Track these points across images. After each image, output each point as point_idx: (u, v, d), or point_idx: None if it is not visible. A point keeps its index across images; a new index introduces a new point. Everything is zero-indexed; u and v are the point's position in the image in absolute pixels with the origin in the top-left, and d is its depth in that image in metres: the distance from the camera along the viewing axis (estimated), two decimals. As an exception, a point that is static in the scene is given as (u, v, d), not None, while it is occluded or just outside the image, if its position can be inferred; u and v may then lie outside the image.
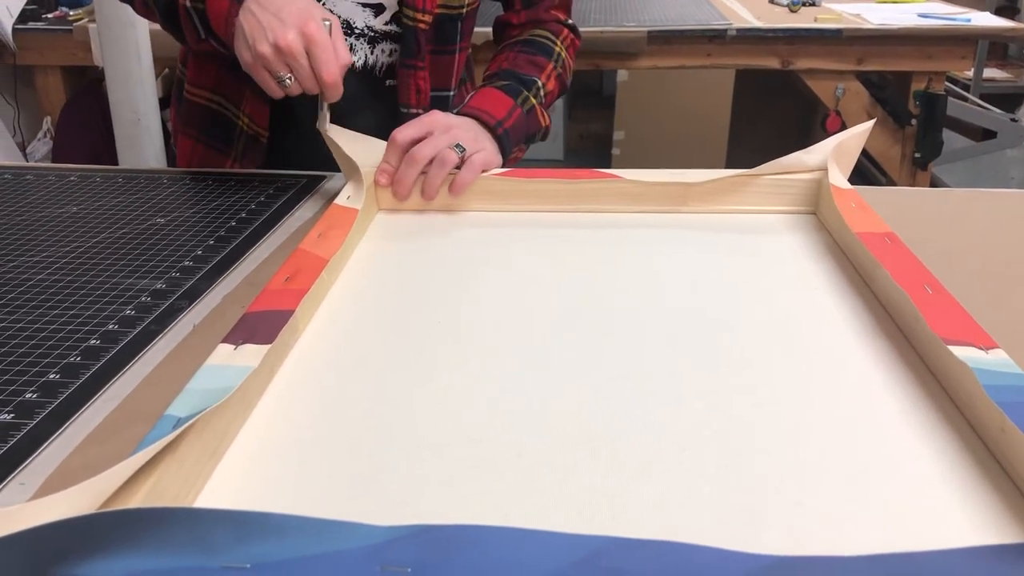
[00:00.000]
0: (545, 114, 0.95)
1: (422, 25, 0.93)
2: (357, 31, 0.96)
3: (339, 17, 0.89)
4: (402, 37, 0.94)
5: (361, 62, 0.97)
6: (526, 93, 0.92)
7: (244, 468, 0.45)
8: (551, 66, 0.98)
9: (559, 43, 1.00)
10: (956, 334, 0.51)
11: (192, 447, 0.42)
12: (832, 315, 0.60)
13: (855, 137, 0.81)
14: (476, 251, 0.72)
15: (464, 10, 0.97)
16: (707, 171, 0.79)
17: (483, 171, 0.81)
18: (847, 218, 0.69)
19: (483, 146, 0.83)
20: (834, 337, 0.57)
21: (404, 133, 0.80)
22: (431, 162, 0.80)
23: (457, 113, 0.87)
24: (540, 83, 0.95)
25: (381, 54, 0.97)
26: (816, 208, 0.79)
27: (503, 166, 0.87)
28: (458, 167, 0.80)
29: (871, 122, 0.84)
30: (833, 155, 0.78)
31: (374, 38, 0.96)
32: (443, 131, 0.81)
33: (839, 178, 0.76)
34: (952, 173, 2.96)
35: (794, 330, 0.58)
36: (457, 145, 0.80)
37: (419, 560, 0.34)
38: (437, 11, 0.94)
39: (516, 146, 0.91)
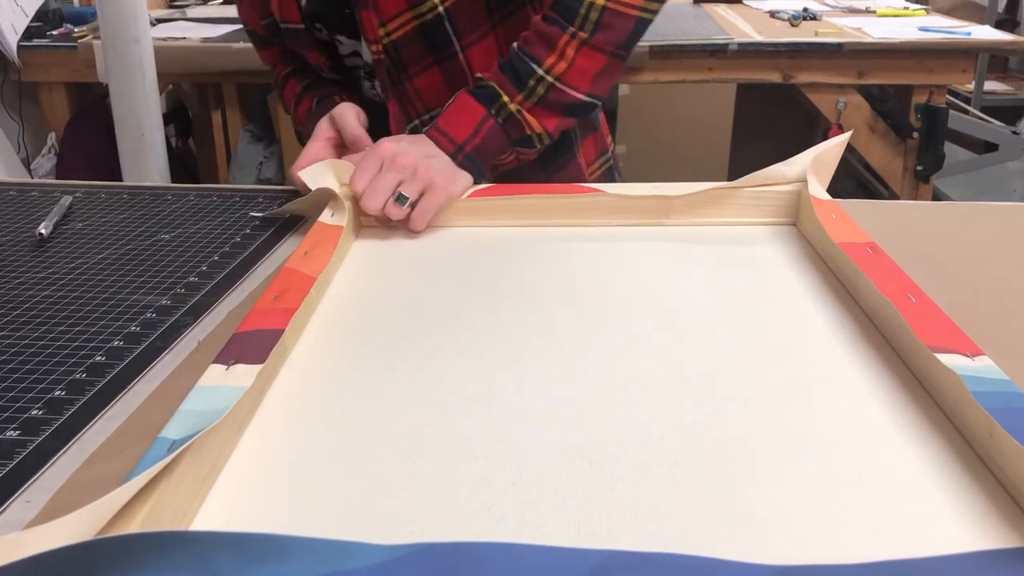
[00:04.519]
0: (532, 120, 0.84)
1: (378, 58, 0.90)
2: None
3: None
4: (376, 71, 0.93)
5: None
6: (503, 100, 0.83)
7: (240, 489, 0.45)
8: (565, 37, 0.82)
9: None
10: (941, 341, 0.51)
11: (188, 469, 0.42)
12: (818, 325, 0.60)
13: (833, 148, 0.81)
14: (462, 267, 0.72)
15: (440, 9, 0.86)
16: (688, 184, 0.80)
17: (437, 209, 0.78)
18: (828, 228, 0.69)
19: (433, 182, 0.77)
20: (821, 346, 0.57)
21: (359, 182, 0.76)
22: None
23: (425, 131, 0.84)
24: (542, 71, 0.82)
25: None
26: (796, 219, 0.79)
27: (486, 181, 0.85)
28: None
29: (848, 133, 0.85)
30: (812, 166, 0.79)
31: (371, 72, 0.97)
32: (388, 167, 0.77)
33: (818, 189, 0.77)
34: (954, 186, 2.96)
35: (781, 340, 0.58)
36: (399, 196, 0.76)
37: (424, 578, 0.34)
38: (406, 28, 0.88)
39: (492, 162, 0.86)
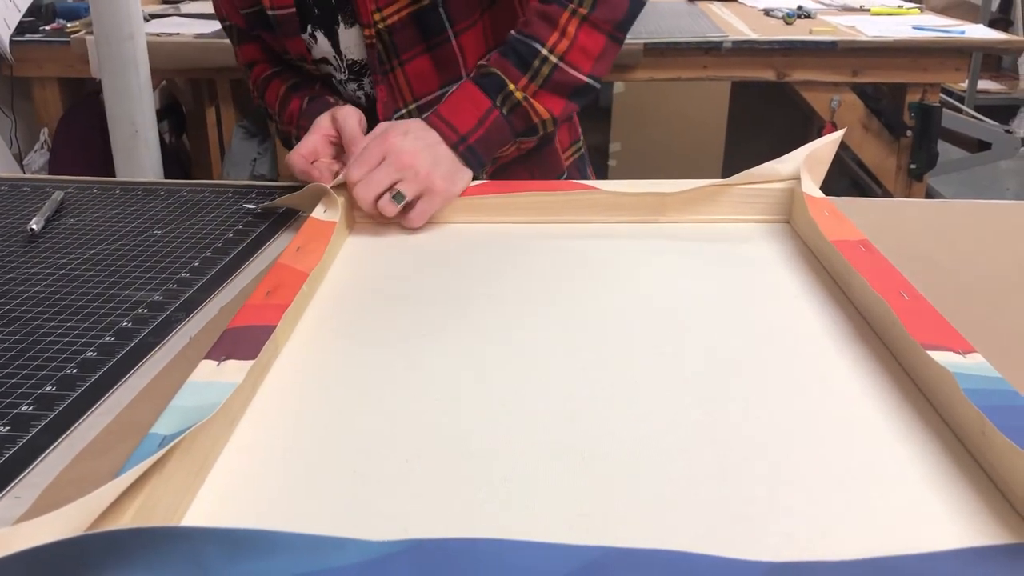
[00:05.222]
0: (539, 106, 0.84)
1: (369, 42, 0.91)
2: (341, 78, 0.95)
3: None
4: (367, 57, 0.92)
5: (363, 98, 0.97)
6: (509, 88, 0.82)
7: (231, 485, 0.45)
8: (566, 14, 0.83)
9: None
10: (934, 339, 0.51)
11: (179, 465, 0.42)
12: (811, 322, 0.60)
13: (827, 146, 0.81)
14: (456, 263, 0.72)
15: None
16: (683, 181, 0.80)
17: (434, 212, 0.79)
18: (821, 226, 0.69)
19: (434, 187, 0.78)
20: (814, 344, 0.57)
21: (356, 171, 0.77)
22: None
23: (426, 117, 0.83)
24: (545, 50, 0.82)
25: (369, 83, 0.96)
26: (790, 217, 0.79)
27: (485, 174, 0.84)
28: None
29: (841, 131, 0.85)
30: (805, 164, 0.79)
31: (360, 70, 0.95)
32: (389, 163, 0.77)
33: (811, 187, 0.77)
34: (947, 184, 2.97)
35: (775, 337, 0.58)
36: (396, 194, 0.76)
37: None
38: (401, 14, 0.88)
39: (494, 154, 0.85)
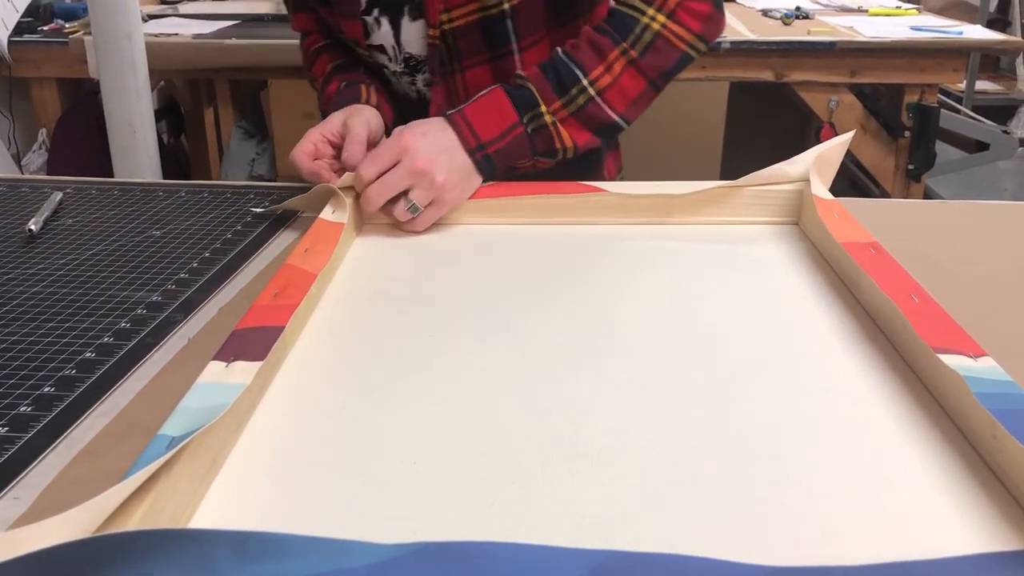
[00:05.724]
0: (564, 133, 0.83)
1: (432, 42, 0.89)
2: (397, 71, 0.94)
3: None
4: (428, 56, 0.91)
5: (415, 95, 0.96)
6: (540, 109, 0.82)
7: (239, 487, 0.44)
8: (616, 52, 0.82)
9: (650, 10, 0.82)
10: (944, 342, 0.51)
11: (187, 467, 0.42)
12: (820, 324, 0.60)
13: (836, 148, 0.81)
14: (464, 265, 0.72)
15: (505, 6, 0.86)
16: (691, 183, 0.79)
17: (440, 215, 0.78)
18: (831, 228, 0.69)
19: (444, 197, 0.77)
20: (823, 346, 0.57)
21: (368, 170, 0.77)
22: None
23: (449, 114, 0.81)
24: (586, 81, 0.82)
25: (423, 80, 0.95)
26: (799, 218, 0.79)
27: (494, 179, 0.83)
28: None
29: (851, 133, 0.84)
30: (814, 166, 0.78)
31: (416, 65, 0.94)
32: (403, 166, 0.76)
33: (821, 188, 0.76)
34: (945, 185, 2.97)
35: (784, 340, 0.58)
36: (412, 206, 0.76)
37: (422, 577, 0.33)
38: (469, 19, 0.88)
39: (508, 165, 0.84)
